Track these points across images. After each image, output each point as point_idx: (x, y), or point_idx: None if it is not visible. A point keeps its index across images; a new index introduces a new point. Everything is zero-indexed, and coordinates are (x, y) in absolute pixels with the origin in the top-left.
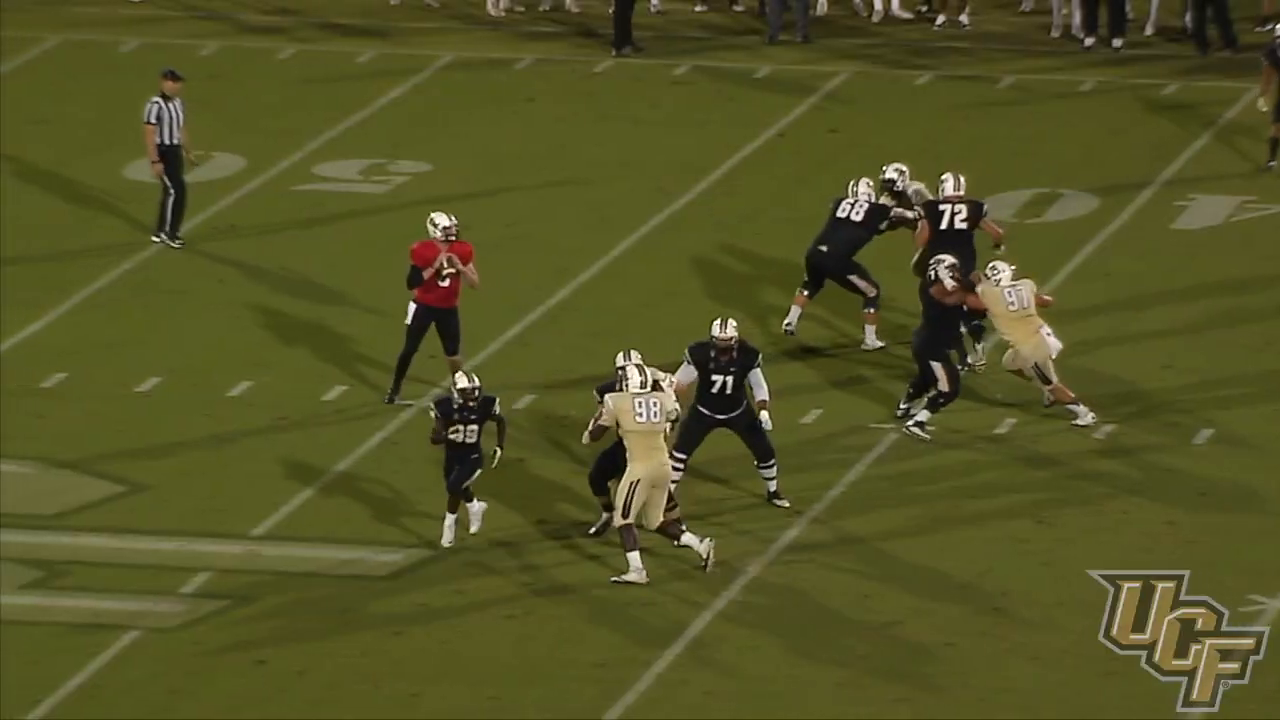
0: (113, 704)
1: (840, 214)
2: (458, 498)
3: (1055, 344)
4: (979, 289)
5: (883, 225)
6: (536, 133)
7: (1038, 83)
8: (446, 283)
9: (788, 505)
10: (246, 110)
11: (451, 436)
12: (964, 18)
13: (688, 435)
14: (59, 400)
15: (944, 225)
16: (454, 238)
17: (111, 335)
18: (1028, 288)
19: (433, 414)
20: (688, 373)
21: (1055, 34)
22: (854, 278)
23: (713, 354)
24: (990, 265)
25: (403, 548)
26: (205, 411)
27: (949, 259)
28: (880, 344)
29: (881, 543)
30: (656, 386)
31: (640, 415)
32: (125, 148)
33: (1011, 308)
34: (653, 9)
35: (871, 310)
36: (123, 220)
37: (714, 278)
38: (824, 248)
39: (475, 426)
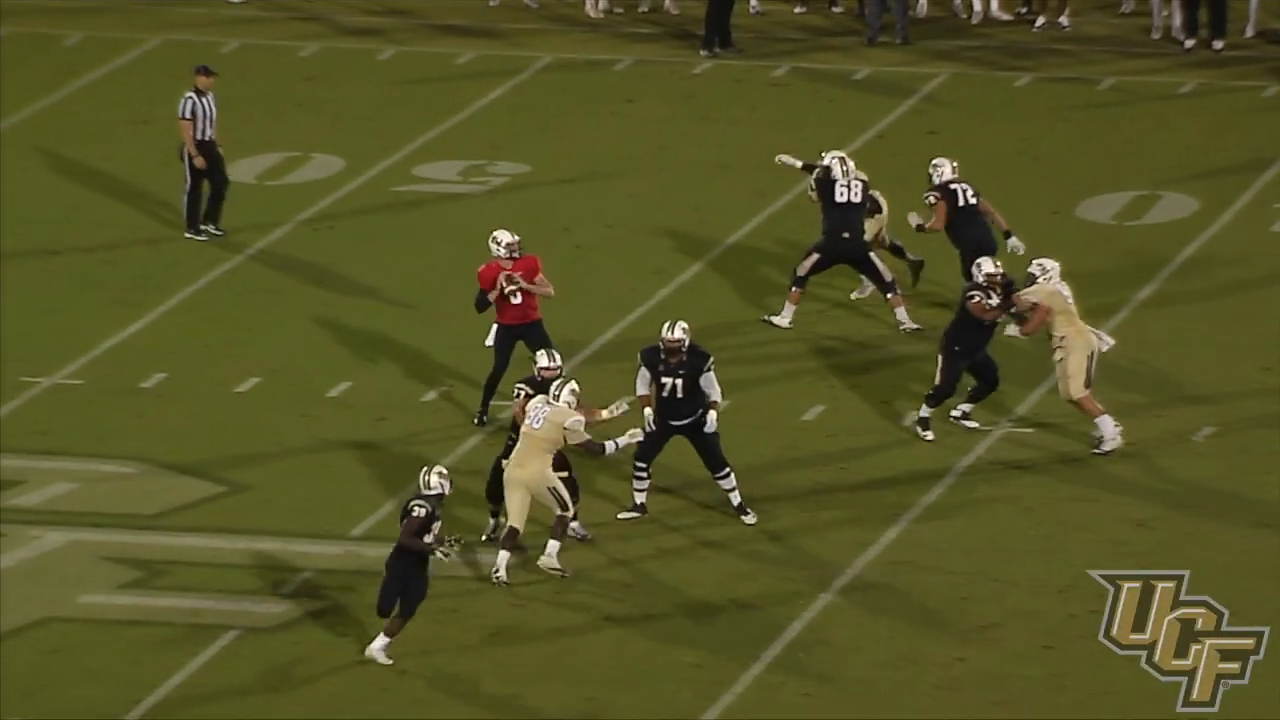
0: (212, 704)
1: (840, 199)
2: (395, 615)
3: (1107, 340)
4: (1034, 289)
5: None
6: (635, 134)
7: (1138, 84)
8: (518, 299)
9: (753, 521)
10: (345, 111)
11: (428, 539)
12: (1064, 19)
13: (646, 443)
14: (159, 400)
15: (961, 203)
16: (517, 255)
17: (210, 335)
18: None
19: (418, 512)
20: (643, 376)
21: (1156, 36)
22: (875, 259)
23: (662, 356)
24: (1037, 263)
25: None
26: (304, 412)
27: (988, 266)
28: (916, 325)
29: (979, 545)
30: (555, 400)
31: (528, 419)
32: (226, 149)
33: (1069, 302)
34: (753, 10)
35: (895, 294)
36: (222, 220)
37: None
38: (845, 234)
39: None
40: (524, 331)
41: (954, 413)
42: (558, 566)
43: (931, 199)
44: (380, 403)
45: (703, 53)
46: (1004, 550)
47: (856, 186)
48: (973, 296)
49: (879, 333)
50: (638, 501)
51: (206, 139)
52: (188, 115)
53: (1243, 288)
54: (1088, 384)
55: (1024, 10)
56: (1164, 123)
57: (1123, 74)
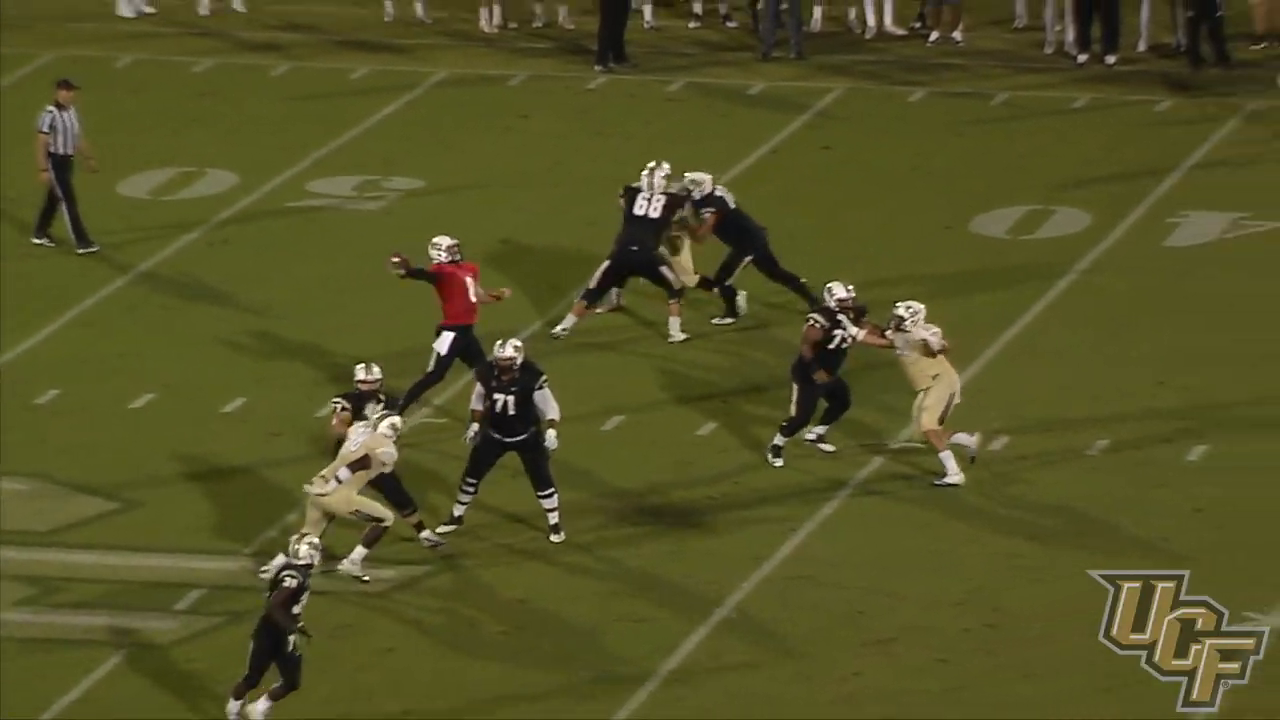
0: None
1: (638, 211)
2: (279, 686)
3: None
4: (926, 326)
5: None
6: (531, 149)
7: (1031, 99)
8: (475, 299)
9: (561, 539)
10: (240, 127)
11: (295, 610)
12: (957, 34)
13: (476, 458)
14: (53, 416)
15: (733, 205)
16: (459, 257)
17: (105, 351)
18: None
19: (289, 583)
20: (478, 392)
21: (1049, 50)
22: (664, 270)
23: (495, 373)
24: (904, 305)
25: (395, 564)
26: (199, 428)
27: (840, 290)
28: (684, 335)
29: (873, 560)
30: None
31: (349, 441)
32: (119, 164)
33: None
34: (647, 25)
35: (676, 302)
36: (116, 236)
37: (708, 293)
38: (634, 248)
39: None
40: (470, 333)
41: (809, 436)
42: (359, 574)
43: (707, 214)
44: (274, 418)
45: (597, 68)
46: (898, 565)
47: (658, 202)
48: (808, 320)
49: (769, 351)
50: (456, 514)
51: (66, 153)
52: (45, 129)
53: (1136, 301)
54: (942, 420)
55: (918, 25)
56: (1057, 137)
57: (1016, 89)
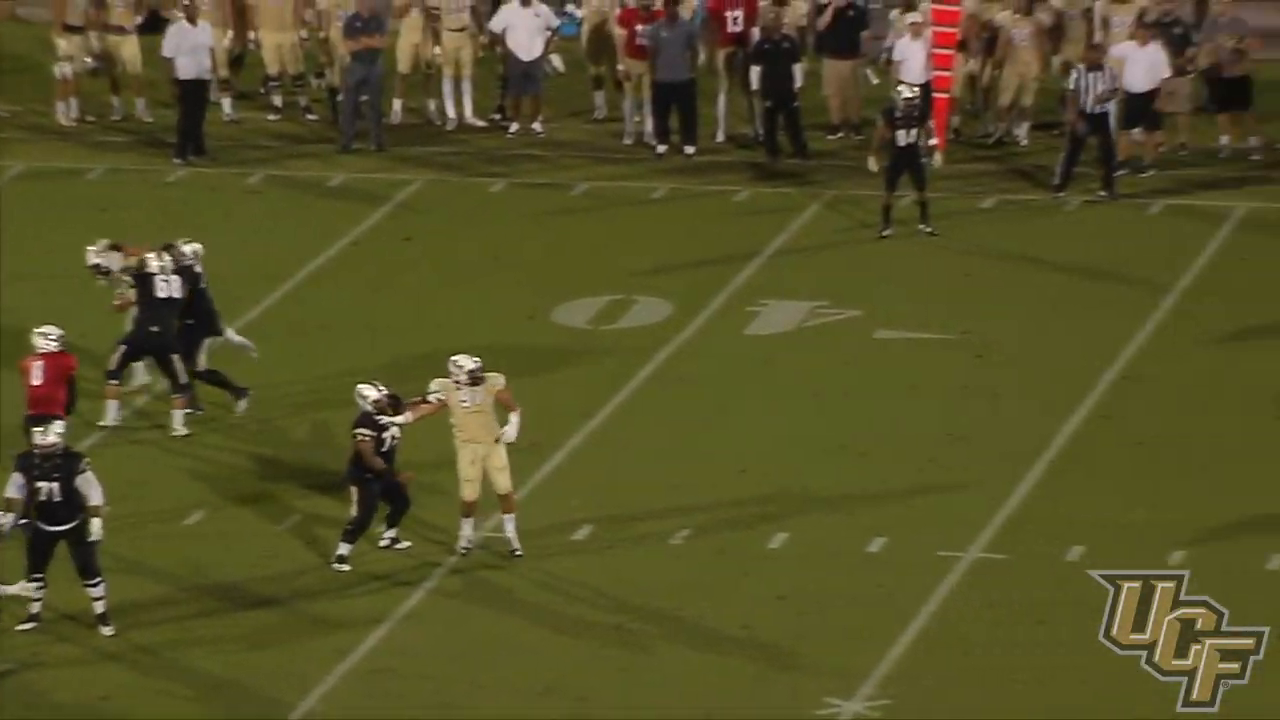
0: None
1: (161, 294)
2: None
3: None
4: (470, 388)
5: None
6: None
7: (611, 190)
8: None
9: (111, 633)
10: None
11: None
12: (537, 125)
13: (31, 552)
14: None
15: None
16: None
17: None
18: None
19: None
20: (15, 481)
21: (628, 141)
22: (176, 359)
23: (36, 460)
24: (468, 357)
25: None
26: None
27: (372, 392)
28: (187, 431)
29: (459, 650)
30: None
31: None
32: None
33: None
34: (226, 117)
35: (182, 396)
36: None
37: (287, 387)
38: (155, 329)
39: None
40: None
41: (381, 542)
42: None
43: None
44: None
45: (176, 160)
46: (483, 654)
47: (176, 281)
48: (355, 435)
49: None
50: (33, 612)
51: None
52: None
53: (717, 390)
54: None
55: (498, 117)
56: (637, 227)
57: (596, 179)
